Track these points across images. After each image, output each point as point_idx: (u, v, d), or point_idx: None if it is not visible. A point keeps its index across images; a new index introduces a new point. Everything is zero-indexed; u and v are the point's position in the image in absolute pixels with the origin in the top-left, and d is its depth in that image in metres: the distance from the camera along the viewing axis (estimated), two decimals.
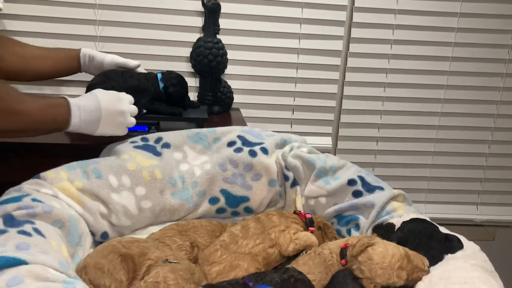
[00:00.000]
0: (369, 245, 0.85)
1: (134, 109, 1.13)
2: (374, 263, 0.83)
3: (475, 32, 1.81)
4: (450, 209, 2.00)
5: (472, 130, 1.93)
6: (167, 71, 1.38)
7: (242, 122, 1.63)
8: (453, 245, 0.90)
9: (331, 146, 1.88)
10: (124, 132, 1.12)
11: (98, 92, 1.09)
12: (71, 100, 1.03)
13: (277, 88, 1.81)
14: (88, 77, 1.35)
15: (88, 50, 1.33)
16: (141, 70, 1.39)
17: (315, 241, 0.99)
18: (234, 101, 1.71)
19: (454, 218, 1.98)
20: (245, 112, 1.76)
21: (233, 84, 1.72)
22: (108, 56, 1.34)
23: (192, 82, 1.74)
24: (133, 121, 1.13)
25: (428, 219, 1.03)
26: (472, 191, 2.00)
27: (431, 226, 0.95)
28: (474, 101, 1.89)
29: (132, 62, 1.36)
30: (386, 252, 0.83)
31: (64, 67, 1.31)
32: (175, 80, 1.34)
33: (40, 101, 1.00)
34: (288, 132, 1.85)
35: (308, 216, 1.06)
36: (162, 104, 1.33)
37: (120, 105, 1.10)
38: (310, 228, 1.03)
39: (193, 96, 1.74)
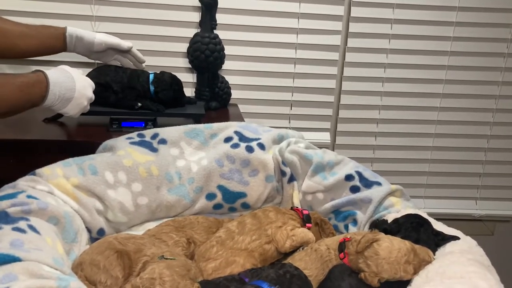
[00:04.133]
0: (374, 240, 0.85)
1: (93, 98, 1.20)
2: (380, 258, 0.82)
3: (471, 41, 1.81)
4: (449, 204, 2.00)
5: (471, 125, 1.92)
6: (160, 72, 1.38)
7: (239, 117, 1.62)
8: (442, 238, 0.90)
9: (329, 141, 1.88)
10: (77, 115, 1.18)
11: (73, 72, 1.13)
12: (50, 76, 1.05)
13: (275, 84, 1.80)
14: (75, 57, 1.35)
15: (74, 29, 1.28)
16: (135, 52, 1.38)
17: (312, 237, 0.99)
18: (231, 96, 1.70)
19: (453, 213, 1.98)
20: (242, 108, 1.76)
21: (230, 79, 1.71)
22: (99, 36, 1.30)
23: (189, 78, 1.73)
24: (88, 108, 1.20)
25: (425, 214, 1.03)
26: (471, 186, 2.00)
27: (423, 220, 0.95)
28: (473, 95, 1.89)
29: (124, 43, 1.34)
30: (392, 247, 0.83)
31: (48, 46, 1.26)
32: (165, 84, 1.35)
33: (18, 82, 1.00)
34: (286, 127, 1.84)
35: (305, 212, 1.06)
36: (147, 100, 1.35)
37: (89, 91, 1.17)
38: (307, 225, 1.03)
39: (190, 92, 1.73)
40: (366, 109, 1.87)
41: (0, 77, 0.99)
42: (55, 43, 1.26)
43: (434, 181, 1.97)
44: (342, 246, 0.90)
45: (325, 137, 1.88)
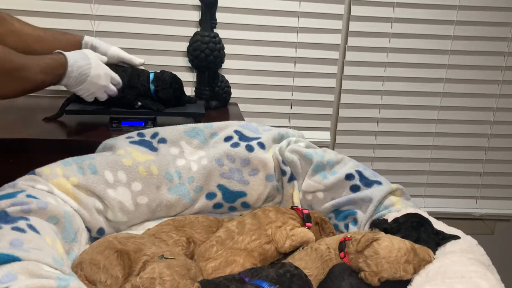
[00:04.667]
0: (374, 239, 0.85)
1: (113, 89, 1.25)
2: (380, 257, 0.82)
3: (471, 39, 1.81)
4: (449, 203, 2.00)
5: (471, 124, 1.92)
6: (160, 71, 1.38)
7: (239, 116, 1.62)
8: (443, 237, 0.90)
9: (329, 140, 1.88)
10: (89, 99, 1.23)
11: (92, 59, 1.18)
12: (69, 60, 1.12)
13: (275, 83, 1.80)
14: None
15: (91, 38, 1.33)
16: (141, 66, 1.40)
17: (312, 237, 0.98)
18: (232, 95, 1.70)
19: (453, 212, 1.98)
20: (243, 107, 1.76)
21: (230, 78, 1.71)
22: (112, 49, 1.34)
23: (190, 77, 1.73)
24: (104, 96, 1.24)
25: (425, 213, 1.02)
26: (471, 185, 2.00)
27: (423, 219, 0.94)
28: (473, 94, 1.88)
29: (136, 60, 1.38)
30: (392, 246, 0.83)
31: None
32: (165, 83, 1.35)
33: (42, 64, 1.07)
34: (286, 126, 1.84)
35: (305, 211, 1.06)
36: (147, 99, 1.35)
37: (103, 80, 1.20)
38: (307, 224, 1.03)
39: (190, 91, 1.73)
40: (366, 108, 1.86)
41: (26, 59, 1.04)
42: (70, 50, 1.27)
43: (435, 180, 1.97)
44: (342, 245, 0.90)
45: (325, 136, 1.88)
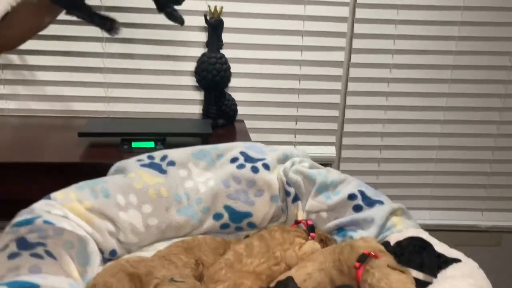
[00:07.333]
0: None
1: None
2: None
3: (477, 40, 1.83)
4: (454, 215, 2.01)
5: (475, 137, 1.94)
6: None
7: (245, 133, 1.67)
8: (445, 260, 0.92)
9: (335, 155, 1.91)
10: None
11: None
12: None
13: (280, 99, 1.84)
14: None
15: None
16: None
17: (318, 247, 1.02)
18: (238, 112, 1.75)
19: (459, 224, 2.00)
20: (249, 123, 1.80)
21: (236, 96, 1.75)
22: None
23: (197, 96, 1.78)
24: None
25: (426, 234, 1.05)
26: (477, 197, 2.01)
27: (425, 243, 0.97)
28: (476, 108, 1.91)
29: None
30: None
31: None
32: None
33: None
34: (291, 142, 1.89)
35: (309, 223, 1.09)
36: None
37: None
38: (311, 234, 1.06)
39: (198, 109, 1.79)
40: (370, 122, 1.90)
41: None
42: None
43: (439, 192, 1.99)
44: (363, 258, 0.87)
45: (331, 151, 1.91)
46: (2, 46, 0.90)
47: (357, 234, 1.12)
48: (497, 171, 1.98)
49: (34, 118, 1.71)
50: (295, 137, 1.89)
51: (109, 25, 0.93)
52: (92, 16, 0.94)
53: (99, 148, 1.38)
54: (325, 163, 1.90)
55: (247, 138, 1.62)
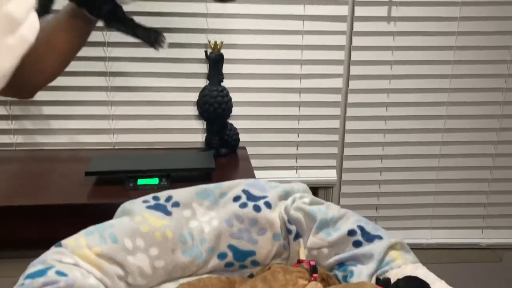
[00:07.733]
0: None
1: None
2: None
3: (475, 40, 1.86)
4: (455, 234, 2.05)
5: (474, 157, 1.97)
6: None
7: (247, 160, 1.71)
8: None
9: (335, 178, 1.95)
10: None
11: None
12: None
13: (281, 126, 1.88)
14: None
15: None
16: None
17: (321, 286, 1.06)
18: (240, 140, 1.79)
19: (460, 242, 2.03)
20: (251, 150, 1.84)
21: (238, 123, 1.80)
22: None
23: (200, 125, 1.82)
24: None
25: (425, 269, 1.09)
26: (476, 215, 2.04)
27: (423, 283, 1.01)
28: (475, 129, 1.94)
29: None
30: None
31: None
32: None
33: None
34: (293, 167, 1.92)
35: (312, 263, 1.13)
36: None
37: None
38: (314, 275, 1.10)
39: (201, 137, 1.83)
40: (370, 146, 1.93)
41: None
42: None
43: (440, 212, 2.03)
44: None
45: (332, 174, 1.95)
46: (43, 72, 0.90)
47: (357, 269, 1.16)
48: (496, 190, 2.01)
49: (41, 152, 1.75)
50: (296, 161, 1.93)
51: (153, 38, 0.87)
52: (134, 29, 0.87)
53: (105, 186, 1.42)
54: (326, 186, 1.95)
55: (249, 165, 1.66)
